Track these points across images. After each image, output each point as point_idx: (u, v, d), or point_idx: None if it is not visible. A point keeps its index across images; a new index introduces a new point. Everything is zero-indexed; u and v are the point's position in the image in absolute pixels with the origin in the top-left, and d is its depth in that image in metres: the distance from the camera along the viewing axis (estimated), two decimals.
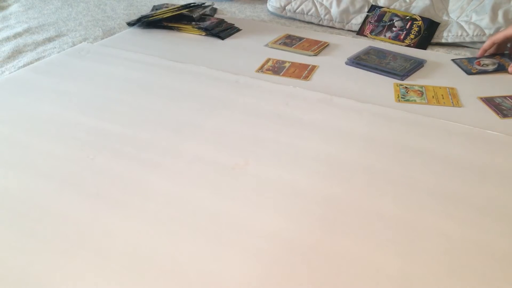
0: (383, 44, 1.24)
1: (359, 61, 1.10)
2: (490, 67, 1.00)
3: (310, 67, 1.08)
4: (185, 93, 0.94)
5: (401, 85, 1.00)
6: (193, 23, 1.30)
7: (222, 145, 0.77)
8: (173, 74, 1.02)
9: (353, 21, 1.35)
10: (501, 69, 1.05)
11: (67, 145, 0.76)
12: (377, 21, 1.31)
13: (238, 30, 1.32)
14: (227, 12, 1.51)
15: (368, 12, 1.34)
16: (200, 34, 1.28)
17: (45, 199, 0.64)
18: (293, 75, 1.04)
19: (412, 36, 1.24)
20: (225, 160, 0.73)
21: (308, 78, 1.03)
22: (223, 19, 1.35)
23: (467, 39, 1.21)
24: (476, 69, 1.00)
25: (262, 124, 0.84)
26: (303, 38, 1.25)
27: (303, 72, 1.06)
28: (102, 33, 1.29)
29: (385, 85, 1.00)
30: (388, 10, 1.32)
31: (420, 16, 1.28)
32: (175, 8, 1.33)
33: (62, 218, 0.61)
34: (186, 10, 1.33)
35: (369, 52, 1.15)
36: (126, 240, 0.57)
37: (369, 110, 0.89)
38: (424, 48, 1.22)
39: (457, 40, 1.22)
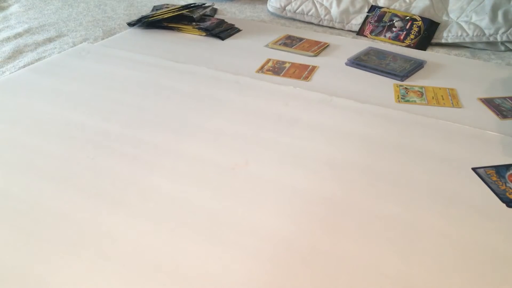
0: (383, 44, 1.24)
1: (359, 61, 1.10)
2: None
3: (310, 67, 1.08)
4: (185, 93, 0.94)
5: (401, 85, 1.00)
6: (194, 23, 1.30)
7: (222, 145, 0.77)
8: (173, 75, 1.03)
9: (353, 22, 1.35)
10: None
11: (67, 145, 0.76)
12: (377, 21, 1.31)
13: (238, 30, 1.32)
14: (227, 12, 1.51)
15: (368, 12, 1.34)
16: (201, 35, 1.28)
17: (45, 199, 0.64)
18: (293, 76, 1.04)
19: (412, 36, 1.24)
20: (225, 160, 0.73)
21: (308, 79, 1.03)
22: (224, 20, 1.35)
23: (467, 39, 1.21)
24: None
25: (262, 124, 0.84)
26: (303, 39, 1.25)
27: (303, 72, 1.06)
28: (103, 33, 1.29)
29: (385, 85, 1.00)
30: (388, 10, 1.32)
31: (420, 16, 1.28)
32: (175, 9, 1.33)
33: (62, 218, 0.61)
34: (187, 10, 1.33)
35: (369, 52, 1.16)
36: (126, 240, 0.57)
37: (369, 111, 0.89)
38: (424, 48, 1.22)
39: (457, 41, 1.22)
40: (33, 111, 0.86)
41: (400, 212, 0.63)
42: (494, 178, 0.70)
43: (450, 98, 0.95)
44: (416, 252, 0.57)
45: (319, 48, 1.19)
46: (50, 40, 1.23)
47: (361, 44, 1.23)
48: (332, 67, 1.09)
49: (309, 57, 1.15)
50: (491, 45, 1.21)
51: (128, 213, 0.62)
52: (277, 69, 1.07)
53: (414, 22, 1.27)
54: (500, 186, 0.68)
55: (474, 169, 0.72)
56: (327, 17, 1.37)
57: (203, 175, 0.70)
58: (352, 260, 0.56)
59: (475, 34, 1.20)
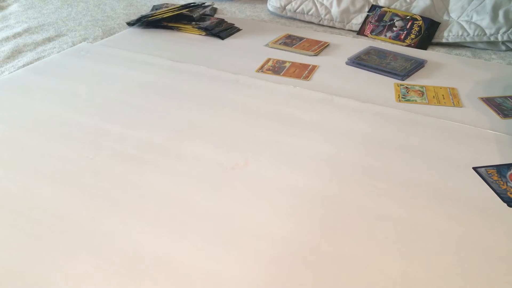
0: (384, 44, 1.24)
1: (359, 61, 1.10)
2: None
3: (310, 67, 1.08)
4: (185, 93, 0.94)
5: (402, 85, 1.00)
6: (193, 23, 1.30)
7: (222, 145, 0.77)
8: (173, 74, 1.02)
9: (354, 21, 1.34)
10: None
11: (67, 145, 0.76)
12: (378, 21, 1.31)
13: (238, 30, 1.31)
14: (227, 12, 1.51)
15: (368, 12, 1.34)
16: (200, 34, 1.27)
17: (45, 199, 0.64)
18: (293, 75, 1.04)
19: (412, 36, 1.24)
20: (225, 160, 0.73)
21: (308, 78, 1.03)
22: (223, 19, 1.35)
23: (468, 39, 1.21)
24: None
25: (262, 124, 0.84)
26: (303, 38, 1.25)
27: (303, 72, 1.05)
28: (102, 33, 1.28)
29: (386, 85, 1.00)
30: (388, 10, 1.32)
31: (420, 16, 1.28)
32: (175, 8, 1.33)
33: (62, 218, 0.60)
34: (186, 10, 1.33)
35: (370, 52, 1.15)
36: (126, 240, 0.57)
37: (370, 110, 0.89)
38: (425, 48, 1.21)
39: (457, 40, 1.22)
40: (32, 111, 0.86)
41: (400, 211, 0.63)
42: (495, 178, 0.70)
43: (451, 98, 0.95)
44: (416, 252, 0.57)
45: (319, 48, 1.18)
46: (49, 39, 1.23)
47: (362, 44, 1.23)
48: (333, 67, 1.08)
49: (309, 56, 1.14)
50: (492, 44, 1.21)
51: (128, 213, 0.62)
52: (277, 68, 1.07)
53: (415, 22, 1.27)
54: (501, 186, 0.68)
55: (475, 169, 0.72)
56: (327, 16, 1.36)
57: (203, 175, 0.70)
58: (352, 260, 0.55)
59: (475, 33, 1.20)
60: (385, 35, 1.27)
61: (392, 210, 0.63)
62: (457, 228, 0.61)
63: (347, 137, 0.80)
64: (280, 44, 1.20)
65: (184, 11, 1.32)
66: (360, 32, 1.32)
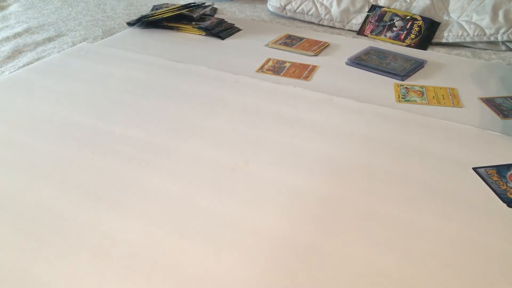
0: (384, 44, 1.24)
1: (359, 61, 1.10)
2: None
3: (310, 67, 1.08)
4: (185, 93, 0.94)
5: (402, 85, 1.00)
6: (193, 23, 1.30)
7: (222, 145, 0.77)
8: (173, 74, 1.02)
9: (354, 21, 1.34)
10: None
11: (67, 145, 0.76)
12: (378, 21, 1.31)
13: (238, 30, 1.32)
14: (227, 12, 1.51)
15: (368, 12, 1.34)
16: (200, 34, 1.27)
17: (45, 199, 0.64)
18: (293, 75, 1.04)
19: (412, 36, 1.24)
20: (225, 160, 0.73)
21: (308, 78, 1.03)
22: (223, 19, 1.35)
23: (468, 39, 1.21)
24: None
25: (262, 124, 0.84)
26: (303, 38, 1.25)
27: (303, 72, 1.06)
28: (102, 33, 1.28)
29: (386, 85, 1.00)
30: (388, 10, 1.32)
31: (420, 16, 1.28)
32: (175, 8, 1.33)
33: (62, 218, 0.61)
34: (186, 10, 1.33)
35: (370, 52, 1.15)
36: (126, 240, 0.57)
37: (370, 110, 0.89)
38: (425, 48, 1.21)
39: (457, 40, 1.22)
40: (32, 111, 0.86)
41: (400, 212, 0.63)
42: (495, 178, 0.70)
43: (451, 98, 0.95)
44: (416, 252, 0.57)
45: (319, 48, 1.18)
46: (49, 39, 1.23)
47: (362, 44, 1.23)
48: (333, 67, 1.08)
49: (309, 56, 1.14)
50: (492, 44, 1.21)
51: (128, 213, 0.62)
52: (277, 68, 1.07)
53: (415, 22, 1.27)
54: (501, 186, 0.68)
55: (474, 169, 0.72)
56: (327, 16, 1.37)
57: (203, 175, 0.70)
58: (352, 260, 0.55)
59: (475, 33, 1.20)
60: (385, 35, 1.27)
61: (392, 210, 0.63)
62: (456, 228, 0.61)
63: (347, 137, 0.80)
64: (280, 44, 1.20)
65: (184, 11, 1.32)
66: (360, 32, 1.32)
